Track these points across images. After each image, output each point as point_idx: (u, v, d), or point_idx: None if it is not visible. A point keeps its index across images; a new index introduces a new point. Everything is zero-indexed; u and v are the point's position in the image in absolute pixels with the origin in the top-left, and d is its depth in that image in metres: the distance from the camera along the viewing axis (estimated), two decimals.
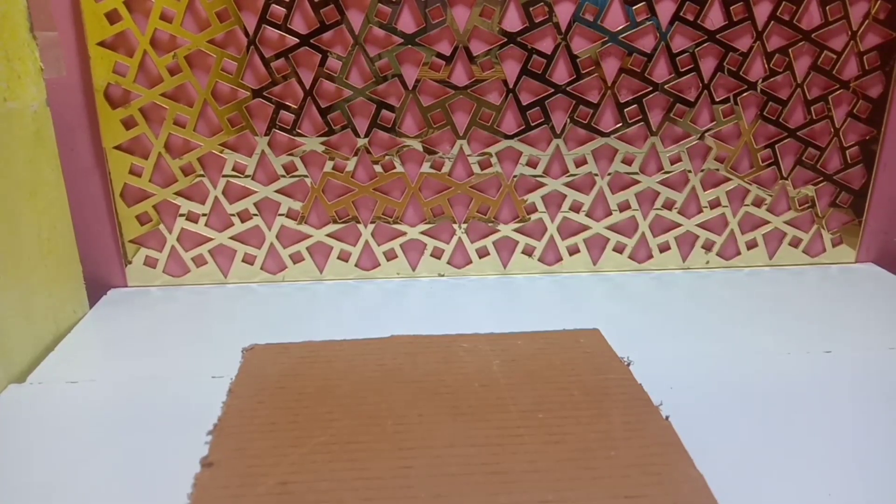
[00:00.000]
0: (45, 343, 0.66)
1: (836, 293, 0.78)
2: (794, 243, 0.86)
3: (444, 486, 0.44)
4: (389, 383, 0.56)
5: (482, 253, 0.83)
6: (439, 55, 0.74)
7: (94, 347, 0.67)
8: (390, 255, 0.82)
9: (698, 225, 0.84)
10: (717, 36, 0.76)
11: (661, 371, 0.58)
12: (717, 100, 0.78)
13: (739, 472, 0.47)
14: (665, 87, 0.77)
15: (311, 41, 0.72)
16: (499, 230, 0.82)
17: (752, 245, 0.86)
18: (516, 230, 0.82)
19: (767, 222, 0.84)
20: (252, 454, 0.47)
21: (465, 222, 0.81)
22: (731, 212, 0.83)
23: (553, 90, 0.76)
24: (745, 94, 0.78)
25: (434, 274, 0.83)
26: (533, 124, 0.77)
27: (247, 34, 0.71)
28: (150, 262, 0.79)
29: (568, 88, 0.76)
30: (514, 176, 0.80)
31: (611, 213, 0.82)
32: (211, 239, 0.79)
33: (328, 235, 0.81)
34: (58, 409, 0.55)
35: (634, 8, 0.74)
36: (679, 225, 0.84)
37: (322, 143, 0.76)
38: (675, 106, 0.78)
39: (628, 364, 0.60)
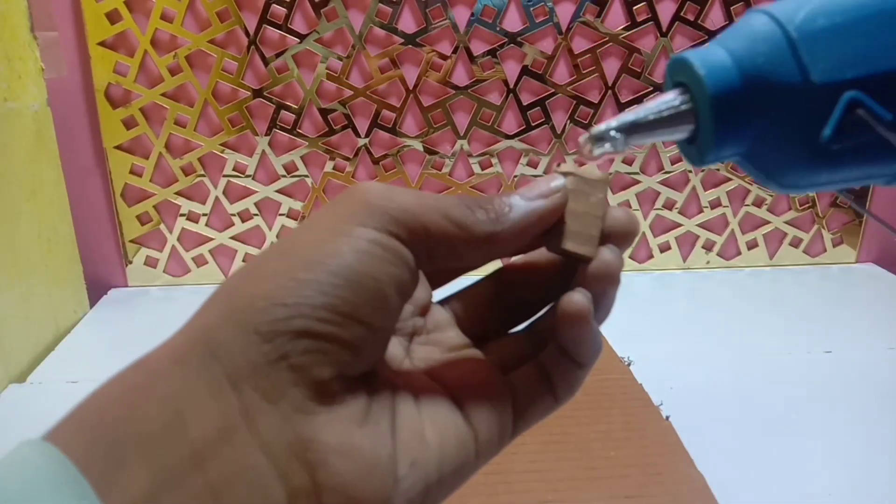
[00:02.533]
0: (45, 343, 0.66)
1: (837, 293, 0.78)
2: (795, 243, 0.86)
3: None
4: None
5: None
6: (440, 55, 0.74)
7: (94, 347, 0.67)
8: None
9: (699, 225, 0.84)
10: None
11: (661, 371, 0.58)
12: None
13: (739, 472, 0.47)
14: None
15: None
16: None
17: (752, 245, 0.86)
18: None
19: (768, 222, 0.84)
20: None
21: None
22: (731, 212, 0.83)
23: (553, 90, 0.76)
24: None
25: None
26: (533, 124, 0.77)
27: (247, 34, 0.71)
28: (151, 262, 0.79)
29: (568, 88, 0.76)
30: (515, 176, 0.80)
31: None
32: (211, 239, 0.79)
33: None
34: (58, 408, 0.54)
35: (635, 8, 0.74)
36: (680, 225, 0.84)
37: (323, 143, 0.76)
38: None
39: (628, 364, 0.60)
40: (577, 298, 0.22)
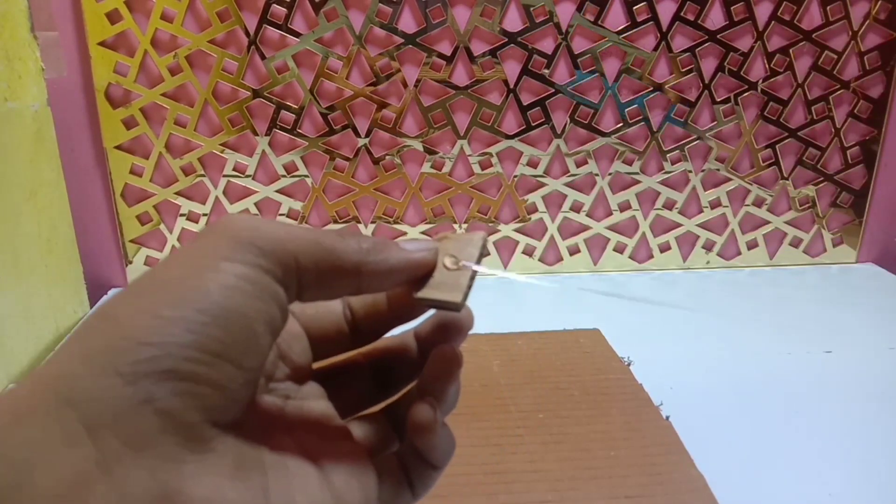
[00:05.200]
0: (45, 343, 0.66)
1: (837, 293, 0.78)
2: (795, 243, 0.86)
3: (444, 486, 0.44)
4: None
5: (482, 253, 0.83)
6: (440, 55, 0.74)
7: None
8: None
9: (699, 225, 0.84)
10: (718, 36, 0.76)
11: (661, 371, 0.58)
12: (718, 100, 0.78)
13: (739, 472, 0.47)
14: (665, 87, 0.77)
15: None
16: (499, 230, 0.82)
17: (752, 245, 0.86)
18: (517, 230, 0.82)
19: (768, 222, 0.84)
20: None
21: (465, 222, 0.81)
22: (731, 212, 0.83)
23: (554, 90, 0.76)
24: (745, 94, 0.78)
25: None
26: (533, 124, 0.77)
27: (247, 34, 0.71)
28: (151, 262, 0.79)
29: (569, 88, 0.76)
30: (515, 176, 0.80)
31: (611, 214, 0.82)
32: None
33: None
34: None
35: (635, 8, 0.74)
36: (680, 225, 0.84)
37: (323, 143, 0.76)
38: (676, 106, 0.78)
39: (628, 364, 0.60)
40: (425, 410, 0.23)
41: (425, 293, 0.23)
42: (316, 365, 0.26)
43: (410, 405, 0.23)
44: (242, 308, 0.18)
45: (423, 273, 0.24)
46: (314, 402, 0.25)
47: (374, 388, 0.26)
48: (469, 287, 0.24)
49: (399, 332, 0.27)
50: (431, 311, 0.25)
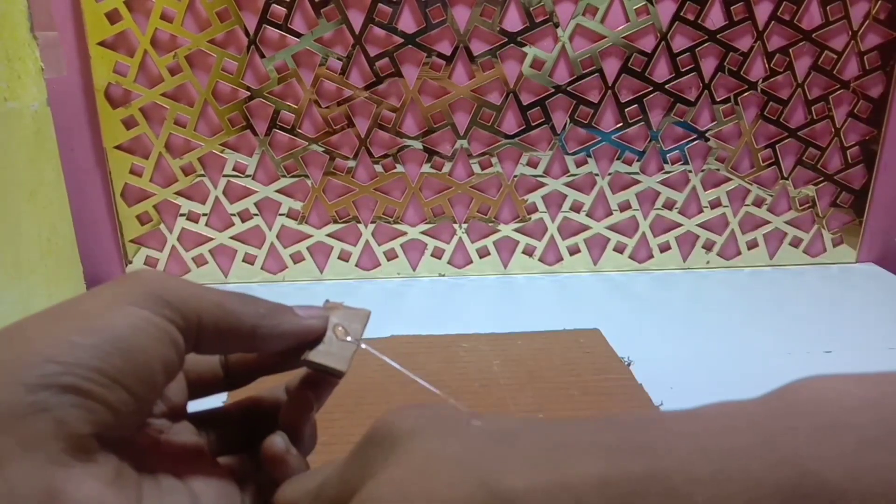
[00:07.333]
0: None
1: (837, 293, 0.78)
2: (795, 243, 0.86)
3: None
4: (389, 383, 0.56)
5: (483, 253, 0.83)
6: (440, 55, 0.74)
7: None
8: (391, 255, 0.82)
9: (699, 225, 0.84)
10: (718, 36, 0.76)
11: (661, 371, 0.58)
12: (718, 100, 0.78)
13: None
14: (665, 87, 0.77)
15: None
16: (499, 230, 0.82)
17: (752, 245, 0.86)
18: (517, 230, 0.82)
19: (768, 222, 0.84)
20: None
21: (465, 222, 0.81)
22: (731, 212, 0.83)
23: (554, 90, 0.76)
24: (745, 93, 0.78)
25: (434, 274, 0.83)
26: (533, 124, 0.77)
27: (247, 34, 0.71)
28: (151, 262, 0.79)
29: (568, 88, 0.76)
30: (515, 176, 0.80)
31: (611, 213, 0.82)
32: (211, 239, 0.79)
33: (329, 235, 0.81)
34: None
35: (635, 8, 0.74)
36: (680, 225, 0.84)
37: (323, 143, 0.76)
38: (676, 106, 0.78)
39: (628, 364, 0.60)
40: (277, 441, 0.26)
41: (314, 357, 0.26)
42: (192, 412, 0.28)
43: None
44: (144, 346, 0.21)
45: (311, 339, 0.27)
46: (186, 436, 0.27)
47: (243, 436, 0.29)
48: (352, 359, 0.27)
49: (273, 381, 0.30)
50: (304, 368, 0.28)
